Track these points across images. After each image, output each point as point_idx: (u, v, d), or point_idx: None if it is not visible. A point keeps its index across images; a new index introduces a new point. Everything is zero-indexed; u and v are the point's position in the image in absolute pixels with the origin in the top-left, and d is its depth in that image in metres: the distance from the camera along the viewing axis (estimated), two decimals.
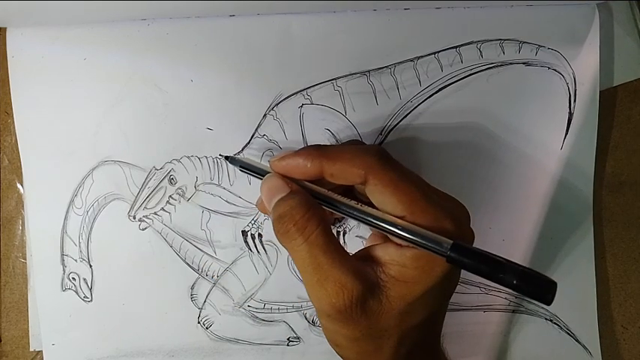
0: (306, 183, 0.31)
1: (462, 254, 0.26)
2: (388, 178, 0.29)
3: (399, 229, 0.28)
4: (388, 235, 0.29)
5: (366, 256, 0.30)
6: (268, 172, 0.32)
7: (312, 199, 0.30)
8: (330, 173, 0.30)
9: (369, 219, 0.29)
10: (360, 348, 0.29)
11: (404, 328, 0.29)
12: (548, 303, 0.25)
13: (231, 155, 0.37)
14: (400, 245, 0.29)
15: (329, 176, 0.30)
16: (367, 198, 0.30)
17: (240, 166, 0.35)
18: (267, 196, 0.31)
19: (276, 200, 0.30)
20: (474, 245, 0.28)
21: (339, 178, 0.30)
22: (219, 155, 0.39)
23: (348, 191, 0.33)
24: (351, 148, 0.31)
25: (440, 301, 0.30)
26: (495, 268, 0.25)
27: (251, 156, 0.39)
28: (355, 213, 0.30)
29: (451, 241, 0.27)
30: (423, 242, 0.27)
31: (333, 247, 0.29)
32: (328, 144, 0.32)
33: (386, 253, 0.29)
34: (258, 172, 0.33)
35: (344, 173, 0.30)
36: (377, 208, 0.29)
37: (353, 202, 0.30)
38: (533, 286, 0.25)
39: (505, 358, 0.42)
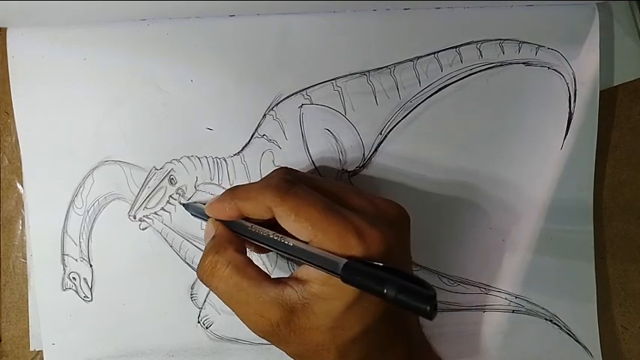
0: (243, 222, 0.33)
1: (352, 273, 0.27)
2: (288, 206, 0.30)
3: (299, 255, 0.29)
4: (298, 260, 0.30)
5: (293, 276, 0.31)
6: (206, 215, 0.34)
7: (224, 239, 0.32)
8: (246, 213, 0.32)
9: (274, 247, 0.31)
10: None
11: (340, 342, 0.29)
12: (429, 317, 0.24)
13: (186, 202, 0.39)
14: None
15: (248, 215, 0.32)
16: None
17: (192, 213, 0.38)
18: (205, 239, 0.34)
19: (208, 240, 0.33)
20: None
21: (256, 216, 0.32)
22: (180, 203, 0.40)
23: None
24: (258, 184, 0.32)
25: (371, 314, 0.30)
26: (378, 284, 0.26)
27: (250, 156, 0.39)
28: (265, 243, 0.31)
29: (344, 260, 0.27)
30: (320, 265, 0.28)
31: (247, 280, 0.30)
32: (245, 185, 0.34)
33: (307, 273, 0.30)
34: (203, 217, 0.36)
35: (255, 211, 0.31)
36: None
37: (267, 232, 0.31)
38: (413, 299, 0.25)
39: (505, 358, 0.42)
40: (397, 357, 0.32)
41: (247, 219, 0.33)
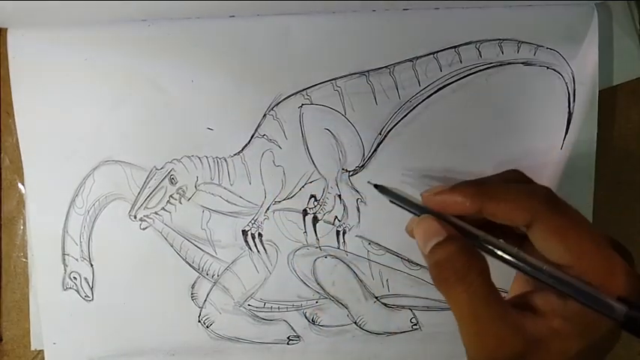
0: (465, 225, 0.29)
1: (637, 320, 0.25)
2: (556, 224, 0.27)
3: (565, 286, 0.26)
4: (552, 288, 0.27)
5: (523, 304, 0.28)
6: (418, 205, 0.31)
7: (471, 246, 0.28)
8: (490, 213, 0.28)
9: (537, 273, 0.27)
10: None
11: None
12: None
13: (383, 185, 0.34)
14: (562, 295, 0.27)
15: (489, 216, 0.29)
16: (519, 232, 0.29)
17: (391, 200, 0.33)
18: (422, 238, 0.30)
19: (432, 245, 0.29)
20: None
21: (499, 219, 0.28)
22: (369, 182, 0.36)
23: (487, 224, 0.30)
24: (515, 187, 0.29)
25: (600, 355, 0.28)
26: None
27: (250, 156, 0.40)
28: (519, 263, 0.27)
29: (625, 307, 0.25)
30: (596, 306, 0.25)
31: (493, 298, 0.27)
32: (486, 180, 0.31)
33: (547, 303, 0.27)
34: (409, 207, 0.32)
35: (506, 215, 0.28)
36: (536, 251, 0.28)
37: (515, 250, 0.28)
38: None
39: None
40: None
41: (460, 217, 0.29)
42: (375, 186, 0.33)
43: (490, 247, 0.28)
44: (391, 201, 0.33)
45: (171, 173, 0.40)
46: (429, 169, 0.40)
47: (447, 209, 0.30)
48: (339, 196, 0.40)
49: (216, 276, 0.41)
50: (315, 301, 0.41)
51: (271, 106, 0.39)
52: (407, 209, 0.32)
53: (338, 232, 0.40)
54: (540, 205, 0.27)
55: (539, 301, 0.28)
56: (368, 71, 0.39)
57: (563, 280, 0.26)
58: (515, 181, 0.31)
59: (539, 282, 0.27)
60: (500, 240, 0.28)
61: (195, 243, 0.40)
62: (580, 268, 0.26)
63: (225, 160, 0.40)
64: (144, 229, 0.40)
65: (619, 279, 0.26)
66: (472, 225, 0.29)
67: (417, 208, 0.31)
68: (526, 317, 0.27)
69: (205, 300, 0.41)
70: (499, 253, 0.28)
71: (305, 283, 0.41)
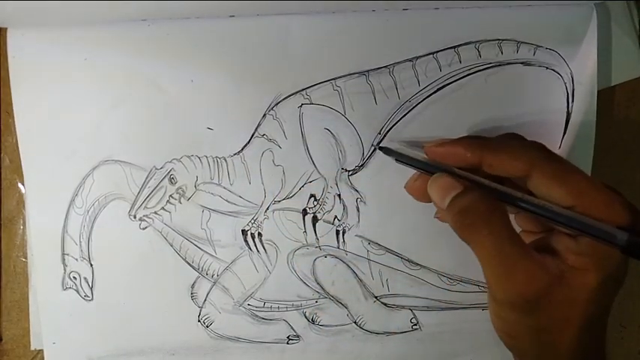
0: (477, 177, 0.32)
1: (639, 244, 0.27)
2: (554, 170, 0.29)
3: (571, 222, 0.28)
4: (559, 227, 0.29)
5: (540, 247, 0.30)
6: (422, 162, 0.33)
7: (488, 193, 0.31)
8: (489, 164, 0.31)
9: (546, 213, 0.29)
10: (540, 339, 0.30)
11: (584, 318, 0.29)
12: None
13: (386, 146, 0.38)
14: (573, 235, 0.29)
15: (487, 167, 0.31)
16: (519, 188, 0.31)
17: (396, 159, 0.36)
18: (439, 193, 0.32)
19: (451, 197, 0.31)
20: None
21: (497, 170, 0.31)
22: (372, 145, 0.39)
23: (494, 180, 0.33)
24: (512, 141, 0.32)
25: (615, 289, 0.30)
26: None
27: (250, 156, 0.40)
28: (530, 207, 0.30)
29: (626, 233, 0.27)
30: (597, 234, 0.28)
31: (517, 238, 0.29)
32: (487, 137, 0.34)
33: (561, 243, 0.29)
34: (415, 165, 0.34)
35: (505, 166, 0.31)
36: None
37: (525, 195, 0.30)
38: None
39: (504, 355, 0.42)
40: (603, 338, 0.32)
41: (468, 170, 0.32)
42: (380, 148, 0.37)
43: (504, 194, 0.30)
44: (397, 160, 0.35)
45: (170, 173, 0.40)
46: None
47: (448, 160, 0.32)
48: (339, 195, 0.40)
49: (215, 276, 0.41)
50: (314, 301, 0.41)
51: (271, 106, 0.39)
52: (413, 166, 0.34)
53: (338, 232, 0.40)
54: (537, 156, 0.30)
55: (554, 243, 0.30)
56: (368, 71, 0.39)
57: (570, 216, 0.28)
58: (530, 141, 0.32)
59: (547, 225, 0.29)
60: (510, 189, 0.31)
61: (195, 243, 0.40)
62: (582, 206, 0.28)
63: (225, 160, 0.40)
64: (143, 228, 0.40)
65: (618, 211, 0.28)
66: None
67: (424, 166, 0.33)
68: (546, 256, 0.29)
69: (205, 300, 0.41)
70: (513, 199, 0.30)
71: (305, 282, 0.41)
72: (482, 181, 0.31)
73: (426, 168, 0.34)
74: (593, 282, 0.28)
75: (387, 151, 0.37)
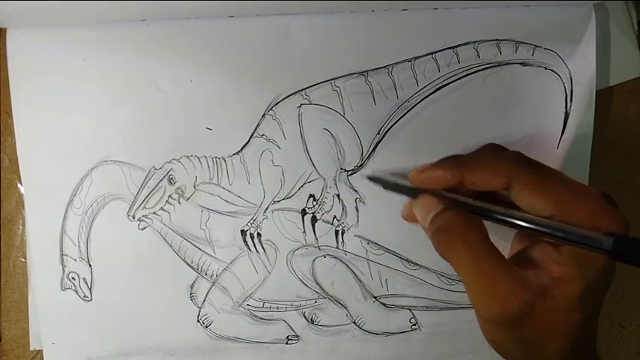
0: (458, 196, 0.32)
1: (626, 248, 0.26)
2: (532, 180, 0.29)
3: (554, 231, 0.28)
4: (543, 237, 0.29)
5: (522, 259, 0.30)
6: (411, 188, 0.34)
7: (467, 211, 0.31)
8: (470, 182, 0.31)
9: (524, 224, 0.29)
10: (525, 349, 0.30)
11: (568, 327, 0.29)
12: None
13: (375, 176, 0.39)
14: (556, 244, 0.29)
15: (470, 185, 0.31)
16: (507, 200, 0.31)
17: (384, 186, 0.37)
18: (421, 212, 0.32)
19: (432, 215, 0.31)
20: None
21: (479, 186, 0.31)
22: (366, 177, 0.39)
23: (482, 195, 0.33)
24: (489, 155, 0.32)
25: (600, 295, 0.30)
26: None
27: (249, 156, 0.40)
28: (508, 219, 0.30)
29: (611, 238, 0.27)
30: (582, 242, 0.27)
31: (496, 254, 0.29)
32: (463, 154, 0.34)
33: (543, 254, 0.29)
34: (403, 191, 0.35)
35: (485, 181, 0.31)
36: (522, 211, 0.30)
37: (504, 209, 0.30)
38: None
39: None
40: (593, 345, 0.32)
41: (450, 191, 0.32)
42: (368, 178, 0.38)
43: (483, 209, 0.31)
44: (385, 188, 0.36)
45: (169, 173, 0.40)
46: None
47: (432, 185, 0.32)
48: (338, 195, 0.40)
49: (215, 276, 0.41)
50: (314, 301, 0.41)
51: (270, 106, 0.39)
52: (401, 193, 0.35)
53: (337, 232, 0.40)
54: (514, 167, 0.30)
55: (535, 254, 0.30)
56: (367, 71, 0.39)
57: (551, 226, 0.28)
58: (509, 151, 0.33)
59: (531, 236, 0.29)
60: (490, 204, 0.31)
61: (194, 243, 0.40)
62: (563, 214, 0.28)
63: (224, 160, 0.40)
64: (142, 229, 0.40)
65: (601, 216, 0.28)
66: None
67: (410, 191, 0.34)
68: (527, 270, 0.29)
69: (204, 300, 0.41)
70: (492, 214, 0.31)
71: (304, 282, 0.41)
72: (465, 200, 0.32)
73: (415, 193, 0.34)
74: (576, 291, 0.28)
75: (376, 180, 0.38)
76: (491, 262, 0.29)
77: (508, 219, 0.30)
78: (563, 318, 0.28)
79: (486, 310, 0.29)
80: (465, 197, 0.32)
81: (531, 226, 0.29)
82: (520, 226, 0.30)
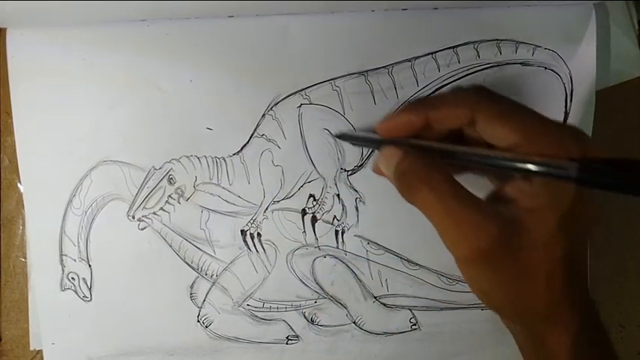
0: (421, 141, 0.31)
1: (591, 174, 0.25)
2: (496, 110, 0.28)
3: (518, 163, 0.27)
4: (510, 172, 0.28)
5: (494, 197, 0.29)
6: (377, 140, 0.33)
7: (429, 155, 0.30)
8: (435, 120, 0.30)
9: (484, 159, 0.29)
10: (509, 291, 0.28)
11: (550, 265, 0.27)
12: None
13: (343, 132, 0.39)
14: (527, 178, 0.28)
15: (435, 124, 0.30)
16: (477, 140, 0.30)
17: (353, 143, 0.37)
18: (385, 163, 0.31)
19: (394, 164, 0.31)
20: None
21: (444, 124, 0.30)
22: (334, 135, 0.39)
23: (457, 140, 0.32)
24: (452, 92, 0.32)
25: (579, 230, 0.28)
26: (620, 182, 0.25)
27: (249, 156, 0.40)
28: (472, 157, 0.29)
29: (576, 164, 0.26)
30: (547, 170, 0.26)
31: (463, 191, 0.28)
32: (424, 96, 0.35)
33: (514, 188, 0.28)
34: (369, 144, 0.35)
35: (449, 117, 0.30)
36: (490, 147, 0.29)
37: (468, 147, 0.30)
38: None
39: (502, 355, 0.42)
40: (583, 296, 0.30)
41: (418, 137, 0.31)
42: (337, 136, 0.39)
43: (447, 151, 0.30)
44: (354, 144, 0.37)
45: (169, 173, 0.40)
46: None
47: (399, 132, 0.32)
48: (338, 195, 0.40)
49: (215, 276, 0.41)
50: (314, 301, 0.41)
51: (270, 106, 0.39)
52: (371, 147, 0.35)
53: (337, 232, 0.40)
54: (477, 99, 0.29)
55: (507, 190, 0.29)
56: (367, 71, 0.39)
57: (515, 158, 0.27)
58: (470, 87, 0.32)
59: (502, 178, 0.29)
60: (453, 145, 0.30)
61: (194, 243, 0.40)
62: (529, 144, 0.27)
63: (224, 160, 0.40)
64: (142, 229, 0.40)
65: (567, 142, 0.27)
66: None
67: (379, 143, 0.33)
68: (499, 206, 0.28)
69: (204, 300, 0.41)
70: (456, 154, 0.30)
71: (304, 282, 0.41)
72: (429, 144, 0.31)
73: (381, 145, 0.33)
74: (551, 222, 0.27)
75: (344, 137, 0.38)
76: (457, 199, 0.28)
77: (473, 157, 0.29)
78: (543, 254, 0.27)
79: (456, 247, 0.28)
80: (429, 141, 0.31)
81: (495, 159, 0.28)
82: (485, 162, 0.29)
